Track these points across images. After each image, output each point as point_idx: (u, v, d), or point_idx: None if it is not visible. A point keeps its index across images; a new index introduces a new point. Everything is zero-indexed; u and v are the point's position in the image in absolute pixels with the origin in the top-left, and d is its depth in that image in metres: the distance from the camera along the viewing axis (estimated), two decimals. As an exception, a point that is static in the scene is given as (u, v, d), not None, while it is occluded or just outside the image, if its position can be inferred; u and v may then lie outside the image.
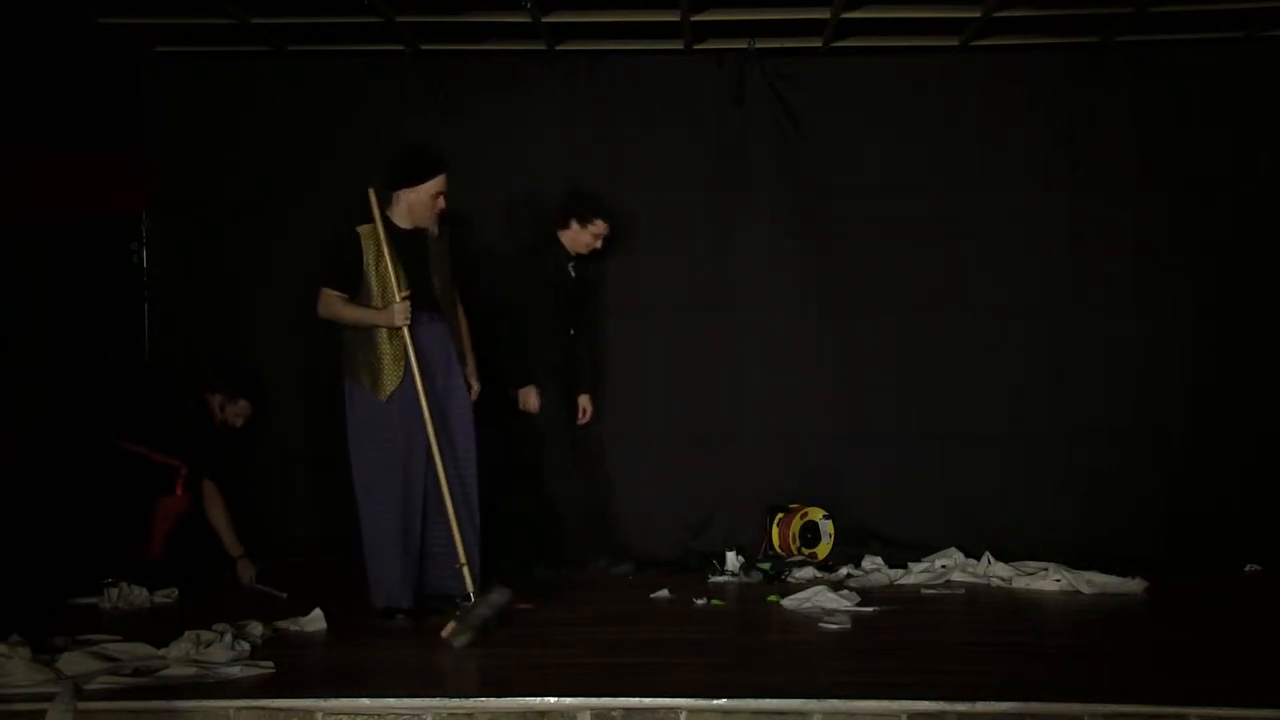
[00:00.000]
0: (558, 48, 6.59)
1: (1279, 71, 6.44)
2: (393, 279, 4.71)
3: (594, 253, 6.20)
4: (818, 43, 6.52)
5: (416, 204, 4.82)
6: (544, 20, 6.20)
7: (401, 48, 6.56)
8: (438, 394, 4.84)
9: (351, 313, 4.75)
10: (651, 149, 6.58)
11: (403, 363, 4.72)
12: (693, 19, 6.22)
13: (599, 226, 6.09)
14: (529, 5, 5.96)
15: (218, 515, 5.72)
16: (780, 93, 6.60)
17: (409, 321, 4.69)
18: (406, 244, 4.82)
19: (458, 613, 4.41)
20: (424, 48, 6.58)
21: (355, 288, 4.76)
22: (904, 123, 6.56)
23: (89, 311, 6.64)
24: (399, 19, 6.18)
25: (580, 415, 6.20)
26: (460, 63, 6.64)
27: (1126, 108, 6.49)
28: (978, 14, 6.13)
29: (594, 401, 6.26)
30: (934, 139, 6.55)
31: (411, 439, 4.75)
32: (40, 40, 6.22)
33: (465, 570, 4.65)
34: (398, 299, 4.69)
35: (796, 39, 6.54)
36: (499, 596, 4.61)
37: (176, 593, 5.35)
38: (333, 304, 4.75)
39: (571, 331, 6.18)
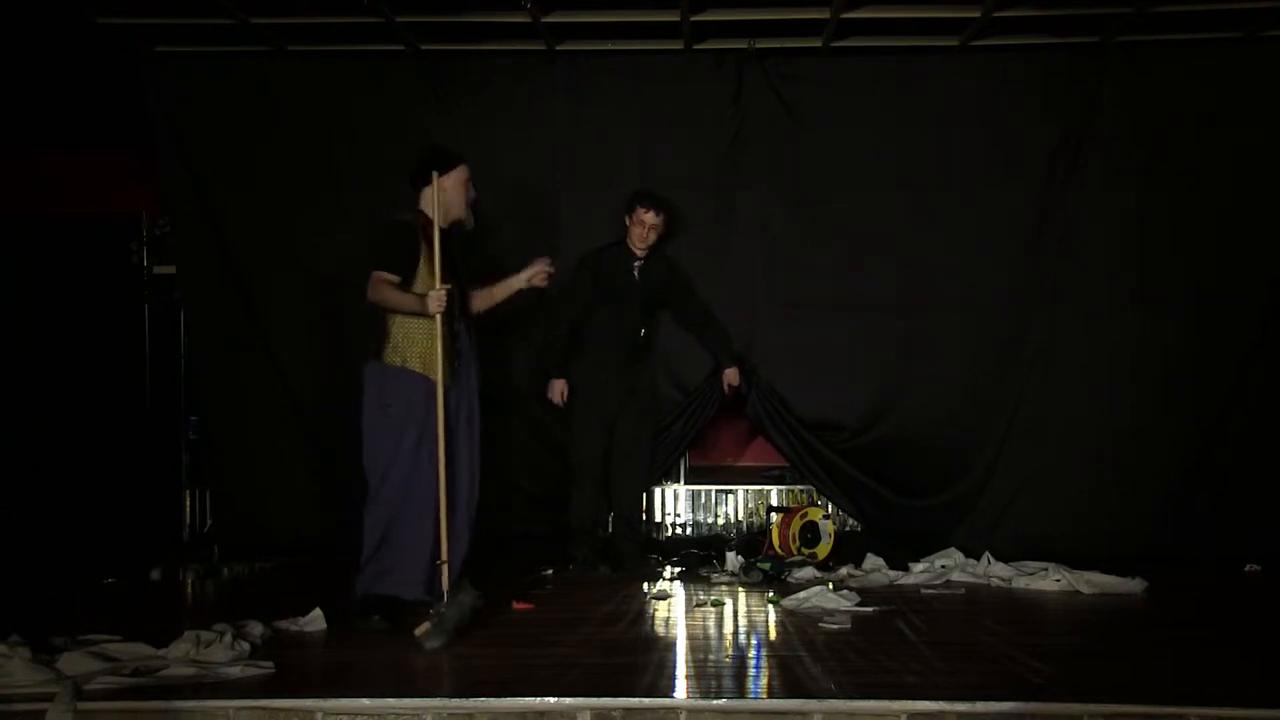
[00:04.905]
0: (558, 48, 6.59)
1: (1279, 71, 6.45)
2: (438, 270, 4.63)
3: (658, 248, 6.13)
4: (818, 43, 6.53)
5: (452, 191, 4.76)
6: (544, 20, 6.20)
7: (401, 48, 6.56)
8: (465, 392, 4.80)
9: (396, 298, 4.63)
10: (651, 149, 6.58)
11: (450, 356, 4.68)
12: (693, 19, 6.22)
13: (639, 214, 6.00)
14: (529, 5, 5.96)
15: None
16: (780, 92, 6.60)
17: (442, 309, 4.59)
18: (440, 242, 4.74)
19: (431, 612, 4.32)
20: (424, 48, 6.58)
21: (410, 275, 4.67)
22: (904, 122, 6.56)
23: (89, 311, 6.65)
24: (399, 19, 6.19)
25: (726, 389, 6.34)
26: (460, 63, 6.64)
27: (1126, 108, 6.49)
28: (978, 14, 6.13)
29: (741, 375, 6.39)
30: (934, 139, 6.55)
31: (448, 432, 4.65)
32: (40, 40, 6.23)
33: (445, 568, 4.56)
34: (436, 287, 4.60)
35: (796, 39, 6.55)
36: (467, 598, 4.55)
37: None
38: (383, 287, 4.63)
39: (643, 332, 6.15)
